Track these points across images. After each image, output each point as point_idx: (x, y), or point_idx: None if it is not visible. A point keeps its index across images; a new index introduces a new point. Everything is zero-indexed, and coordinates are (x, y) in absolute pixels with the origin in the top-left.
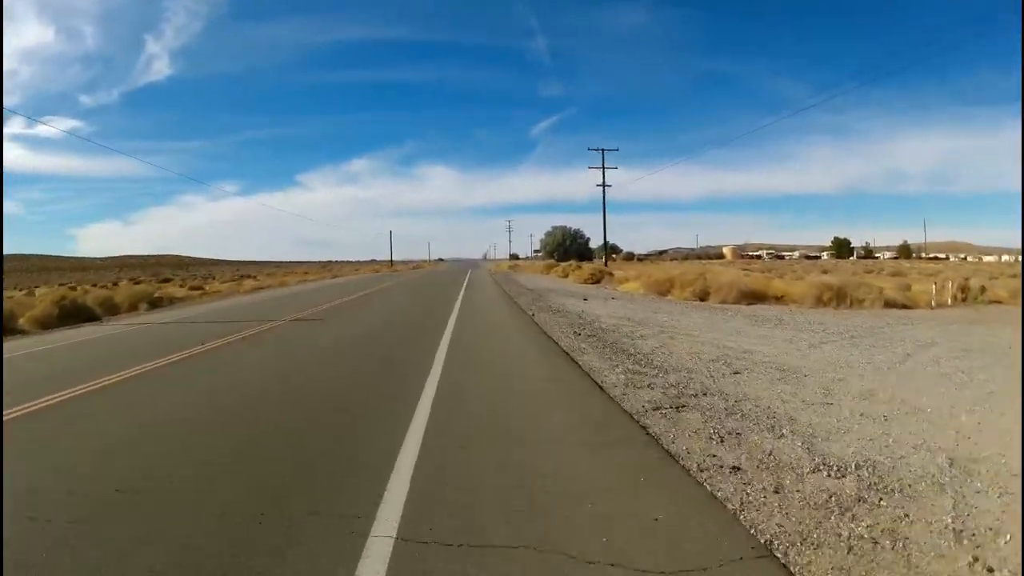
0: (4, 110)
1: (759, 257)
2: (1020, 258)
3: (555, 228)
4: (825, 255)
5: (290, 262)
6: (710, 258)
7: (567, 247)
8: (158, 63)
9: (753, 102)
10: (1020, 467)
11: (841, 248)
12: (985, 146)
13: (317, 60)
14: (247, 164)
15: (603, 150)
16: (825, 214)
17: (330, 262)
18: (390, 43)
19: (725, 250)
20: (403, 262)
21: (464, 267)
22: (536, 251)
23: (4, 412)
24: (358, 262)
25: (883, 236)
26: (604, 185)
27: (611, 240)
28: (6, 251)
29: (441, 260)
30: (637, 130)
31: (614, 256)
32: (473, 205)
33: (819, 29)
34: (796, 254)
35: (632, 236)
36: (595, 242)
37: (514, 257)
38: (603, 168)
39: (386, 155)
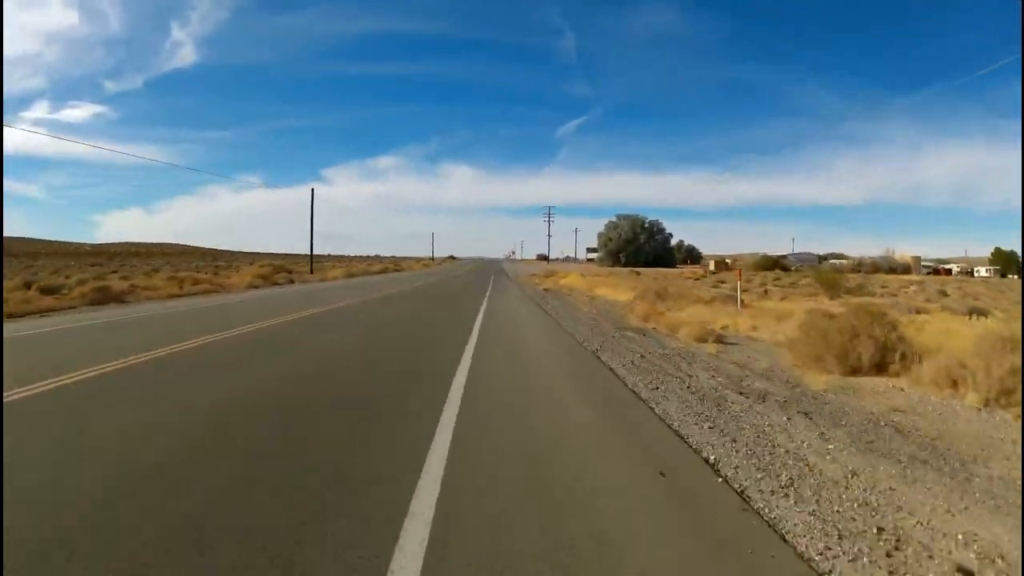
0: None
1: (948, 272)
2: None
3: (620, 218)
4: (984, 271)
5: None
6: (893, 270)
7: (640, 245)
8: (183, 50)
9: (787, 109)
10: None
11: (1008, 263)
12: None
13: (343, 52)
14: (271, 155)
15: None
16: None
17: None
18: (417, 37)
19: (904, 257)
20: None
21: (479, 274)
22: (591, 250)
23: None
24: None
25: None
26: None
27: (685, 241)
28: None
29: (452, 258)
30: (665, 134)
31: (728, 262)
32: (496, 204)
33: (851, 37)
34: (955, 268)
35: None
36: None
37: (543, 258)
38: None
39: (411, 152)
